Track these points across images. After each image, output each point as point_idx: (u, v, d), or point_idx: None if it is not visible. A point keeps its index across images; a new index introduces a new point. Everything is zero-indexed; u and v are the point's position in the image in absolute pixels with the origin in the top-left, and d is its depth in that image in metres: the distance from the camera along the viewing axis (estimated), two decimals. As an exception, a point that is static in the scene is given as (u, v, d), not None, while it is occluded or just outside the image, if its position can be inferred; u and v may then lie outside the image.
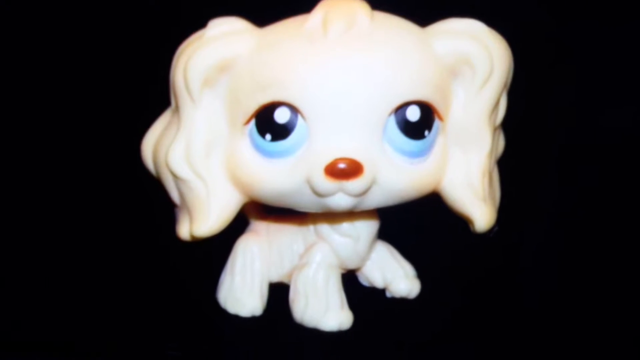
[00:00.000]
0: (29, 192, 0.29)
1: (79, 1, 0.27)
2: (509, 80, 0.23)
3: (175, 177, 0.22)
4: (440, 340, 0.24)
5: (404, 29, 0.22)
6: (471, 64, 0.22)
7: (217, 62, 0.21)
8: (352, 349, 0.23)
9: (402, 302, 0.26)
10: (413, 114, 0.22)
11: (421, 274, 0.26)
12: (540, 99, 0.30)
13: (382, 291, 0.26)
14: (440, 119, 0.22)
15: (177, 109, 0.22)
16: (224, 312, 0.25)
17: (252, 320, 0.24)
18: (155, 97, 0.23)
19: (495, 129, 0.23)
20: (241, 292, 0.25)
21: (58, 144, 0.29)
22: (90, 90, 0.27)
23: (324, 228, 0.24)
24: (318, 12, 0.21)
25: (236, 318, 0.24)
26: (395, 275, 0.26)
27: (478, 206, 0.23)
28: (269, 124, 0.21)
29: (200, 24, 0.22)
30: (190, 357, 0.23)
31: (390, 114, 0.21)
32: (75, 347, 0.22)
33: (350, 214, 0.24)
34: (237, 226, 0.24)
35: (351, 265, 0.25)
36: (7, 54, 0.27)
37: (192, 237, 0.23)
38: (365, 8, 0.22)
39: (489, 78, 0.22)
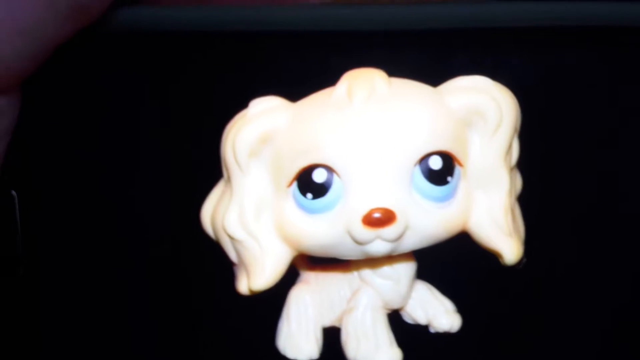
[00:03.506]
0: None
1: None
2: (518, 125, 0.25)
3: (231, 239, 0.25)
4: None
5: (419, 90, 0.24)
6: (482, 114, 0.24)
7: (259, 135, 0.24)
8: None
9: (445, 336, 0.27)
10: (435, 163, 0.24)
11: (460, 309, 0.28)
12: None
13: (425, 327, 0.27)
14: (460, 165, 0.24)
15: (228, 179, 0.25)
16: (284, 358, 0.26)
17: (310, 363, 0.26)
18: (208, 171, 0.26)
19: (511, 170, 0.25)
20: (298, 338, 0.26)
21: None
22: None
23: (367, 273, 0.26)
24: (342, 84, 0.24)
25: (296, 362, 0.26)
26: (436, 311, 0.27)
27: (505, 241, 0.25)
28: (309, 184, 0.24)
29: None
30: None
31: (415, 165, 0.23)
32: None
33: (389, 258, 0.25)
34: (290, 278, 0.26)
35: (395, 305, 0.27)
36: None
37: (251, 291, 0.25)
38: (383, 76, 0.24)
39: (500, 125, 0.24)
